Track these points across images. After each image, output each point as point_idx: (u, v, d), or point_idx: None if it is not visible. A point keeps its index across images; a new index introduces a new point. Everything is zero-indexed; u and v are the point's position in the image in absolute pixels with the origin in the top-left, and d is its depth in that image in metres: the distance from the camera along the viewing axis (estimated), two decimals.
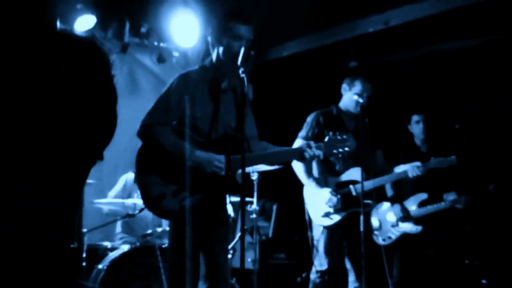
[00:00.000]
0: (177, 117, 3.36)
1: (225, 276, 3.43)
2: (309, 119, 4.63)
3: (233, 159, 3.29)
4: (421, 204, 5.00)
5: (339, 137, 3.53)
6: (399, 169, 4.60)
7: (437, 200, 4.99)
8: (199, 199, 3.28)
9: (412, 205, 5.02)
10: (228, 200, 5.05)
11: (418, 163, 4.54)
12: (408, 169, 4.55)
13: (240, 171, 3.14)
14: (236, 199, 4.80)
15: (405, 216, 4.98)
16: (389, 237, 5.01)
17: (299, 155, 3.38)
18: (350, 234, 4.40)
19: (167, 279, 3.59)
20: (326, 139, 3.52)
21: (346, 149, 3.51)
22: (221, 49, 3.42)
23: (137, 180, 3.33)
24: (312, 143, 3.42)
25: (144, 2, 5.62)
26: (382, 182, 4.61)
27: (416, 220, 4.95)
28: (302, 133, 4.58)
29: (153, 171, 3.29)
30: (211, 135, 3.37)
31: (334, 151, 3.51)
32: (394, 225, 5.00)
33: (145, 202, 3.32)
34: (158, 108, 3.37)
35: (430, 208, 4.96)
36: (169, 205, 3.27)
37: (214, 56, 3.48)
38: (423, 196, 4.99)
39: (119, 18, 5.84)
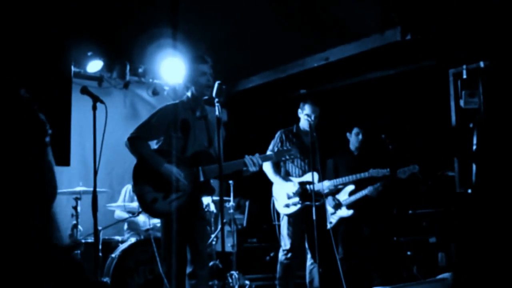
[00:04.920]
0: (157, 135, 3.39)
1: (206, 260, 3.43)
2: (276, 136, 4.68)
3: (206, 169, 3.31)
4: (350, 194, 4.98)
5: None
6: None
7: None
8: (183, 201, 3.27)
9: (344, 195, 5.01)
10: (208, 200, 5.04)
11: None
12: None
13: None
14: (217, 198, 4.77)
15: (337, 204, 4.99)
16: (331, 222, 4.98)
17: (244, 164, 3.41)
18: (307, 222, 4.38)
19: (161, 263, 3.54)
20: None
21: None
22: (193, 87, 3.46)
23: (134, 189, 3.30)
24: (254, 157, 3.43)
25: (141, 48, 5.57)
26: (341, 182, 4.73)
27: (347, 206, 4.96)
28: (270, 146, 4.63)
29: (146, 181, 3.27)
30: (188, 152, 3.38)
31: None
32: (333, 213, 5.00)
33: (141, 206, 3.29)
34: (141, 127, 3.41)
35: (358, 194, 4.94)
36: (161, 207, 3.24)
37: (189, 93, 3.51)
38: (351, 187, 4.97)
39: (121, 62, 5.81)
